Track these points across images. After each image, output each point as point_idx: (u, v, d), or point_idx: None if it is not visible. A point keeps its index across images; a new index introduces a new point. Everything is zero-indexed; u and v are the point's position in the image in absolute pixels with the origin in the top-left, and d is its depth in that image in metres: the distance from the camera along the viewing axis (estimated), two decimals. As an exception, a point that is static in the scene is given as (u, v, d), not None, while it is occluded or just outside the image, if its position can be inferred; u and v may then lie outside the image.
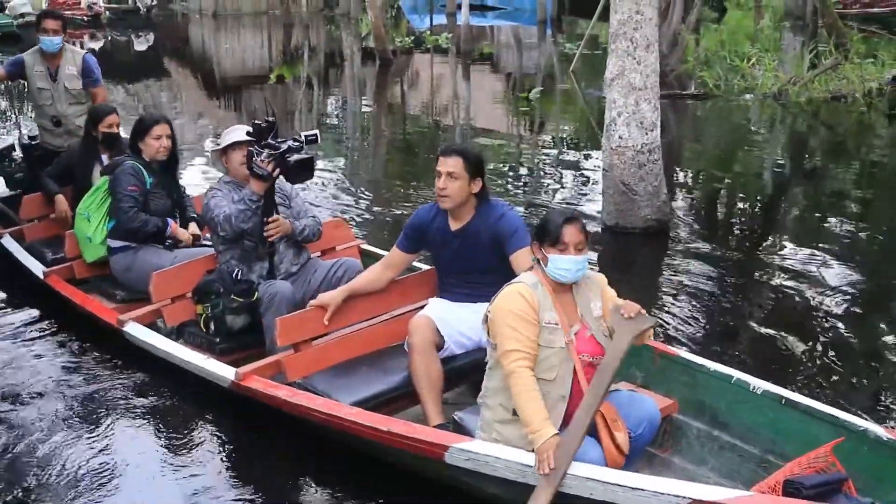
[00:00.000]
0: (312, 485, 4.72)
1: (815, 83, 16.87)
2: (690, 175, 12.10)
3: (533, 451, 3.84)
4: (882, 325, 6.80)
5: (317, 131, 5.54)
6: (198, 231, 6.49)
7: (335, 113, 17.95)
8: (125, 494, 4.55)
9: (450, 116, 17.35)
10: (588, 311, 4.18)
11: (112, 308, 6.04)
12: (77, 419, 5.26)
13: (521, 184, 11.28)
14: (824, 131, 15.13)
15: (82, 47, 8.23)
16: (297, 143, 5.35)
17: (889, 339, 6.65)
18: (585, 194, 10.49)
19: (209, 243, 6.36)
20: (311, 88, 20.66)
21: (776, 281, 7.67)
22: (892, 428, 4.50)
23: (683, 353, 4.90)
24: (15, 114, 15.63)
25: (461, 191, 4.93)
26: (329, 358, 5.07)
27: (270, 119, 5.43)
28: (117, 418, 5.29)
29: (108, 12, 33.05)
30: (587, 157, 12.47)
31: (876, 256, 8.48)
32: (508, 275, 4.83)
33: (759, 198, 11.04)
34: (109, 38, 29.44)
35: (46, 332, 6.43)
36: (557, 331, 4.03)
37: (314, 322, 5.14)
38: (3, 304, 6.89)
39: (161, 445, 5.06)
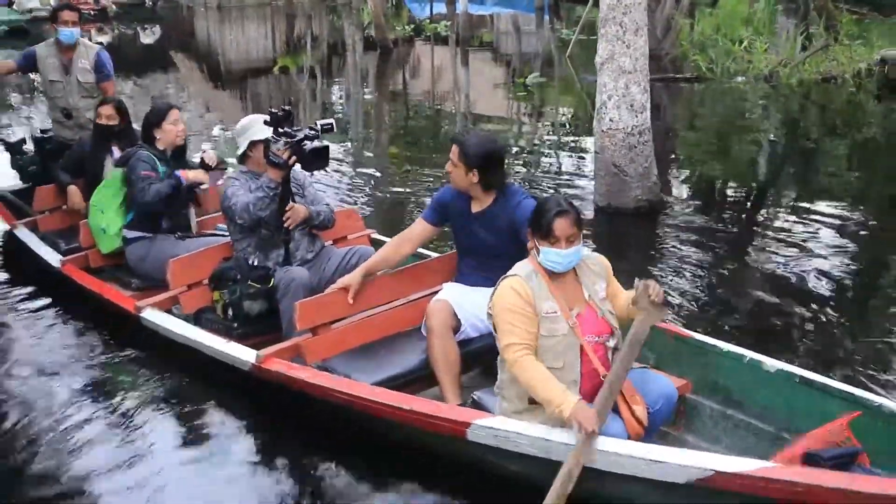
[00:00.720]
0: (329, 468, 4.64)
1: (805, 65, 16.96)
2: (683, 156, 12.18)
3: (561, 426, 3.85)
4: (873, 296, 6.96)
5: (332, 120, 5.49)
6: (210, 162, 6.49)
7: (338, 101, 17.99)
8: (141, 476, 4.54)
9: (450, 103, 17.42)
10: (595, 293, 4.17)
11: (129, 295, 6.04)
12: (91, 404, 5.26)
13: (519, 166, 11.34)
14: (815, 111, 15.19)
15: (90, 40, 8.22)
16: (313, 132, 5.34)
17: (879, 307, 6.80)
18: (579, 176, 10.60)
19: (221, 232, 6.46)
20: (315, 78, 20.71)
21: (768, 257, 7.76)
22: None
23: (696, 334, 4.89)
24: (27, 107, 15.74)
25: (459, 178, 4.97)
26: (347, 341, 5.07)
27: (287, 108, 5.41)
28: (132, 403, 5.28)
29: (114, 6, 33.06)
30: (581, 139, 12.56)
31: (866, 229, 8.55)
32: None
33: (750, 177, 11.10)
34: (116, 31, 29.48)
35: (61, 320, 6.44)
36: (558, 318, 4.01)
37: (332, 306, 5.12)
38: (19, 293, 6.91)
39: (176, 429, 5.05)
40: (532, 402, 4.00)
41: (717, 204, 9.72)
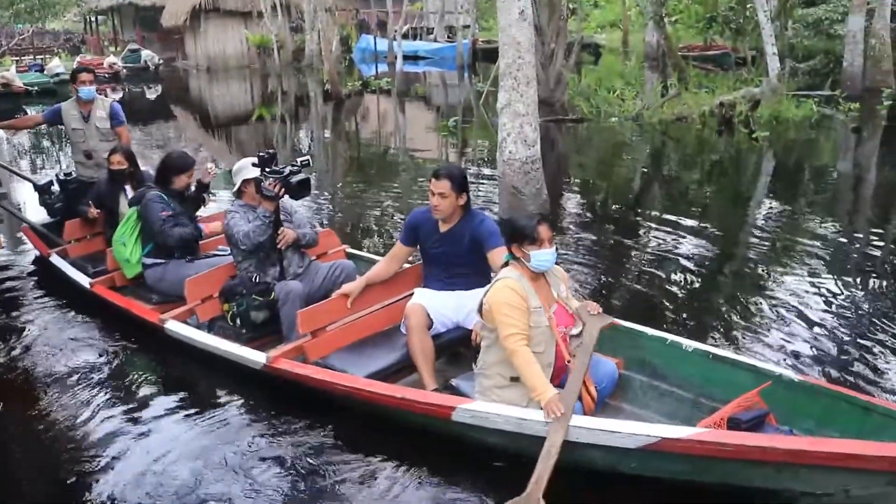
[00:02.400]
0: (330, 447, 4.50)
1: (663, 108, 17.27)
2: (571, 179, 12.35)
3: (535, 407, 3.87)
4: (722, 280, 7.20)
5: (309, 157, 5.49)
6: (205, 178, 6.43)
7: (305, 141, 17.97)
8: (160, 461, 4.39)
9: (392, 141, 17.47)
10: (560, 292, 4.22)
11: (151, 309, 5.95)
12: (115, 400, 5.14)
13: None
14: (672, 144, 15.44)
15: (107, 96, 8.11)
16: (296, 167, 5.35)
17: (725, 287, 7.05)
18: (487, 194, 10.67)
19: (221, 252, 6.43)
20: (285, 124, 20.61)
21: (641, 255, 7.93)
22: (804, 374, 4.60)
23: (627, 322, 4.79)
24: (56, 153, 15.56)
25: (450, 206, 4.92)
26: (341, 340, 5.04)
27: (271, 151, 5.39)
28: (152, 397, 5.18)
29: (124, 70, 32.56)
30: (490, 167, 12.67)
31: (715, 234, 8.74)
32: (481, 270, 5.03)
33: (624, 195, 11.26)
34: (127, 89, 29.02)
35: (91, 330, 6.27)
36: (541, 312, 4.00)
37: (327, 312, 5.11)
38: (55, 309, 6.72)
39: (195, 424, 4.82)
40: (513, 379, 4.00)
41: (598, 216, 9.86)
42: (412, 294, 5.22)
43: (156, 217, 6.07)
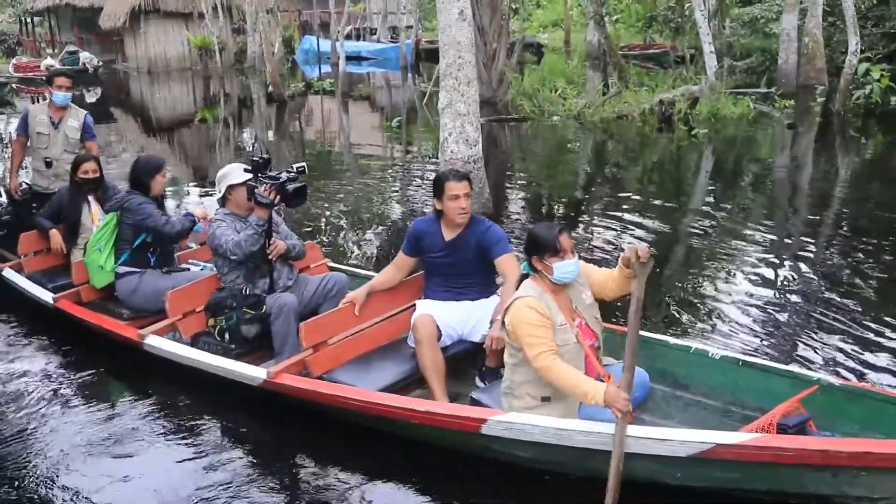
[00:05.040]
0: (335, 463, 4.24)
1: (605, 107, 17.45)
2: (515, 176, 12.40)
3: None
4: (668, 275, 7.17)
5: (304, 164, 5.18)
6: (202, 217, 6.00)
7: (248, 143, 17.75)
8: (151, 483, 4.07)
9: (336, 142, 17.34)
10: (580, 302, 3.94)
11: (126, 325, 5.48)
12: (96, 435, 4.58)
13: (389, 188, 11.38)
14: (613, 142, 15.60)
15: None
16: (293, 174, 5.06)
17: (669, 274, 7.12)
18: (429, 193, 10.51)
19: (194, 265, 6.09)
20: (229, 126, 20.35)
21: (585, 250, 7.88)
22: (845, 379, 4.52)
23: (645, 332, 4.42)
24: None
25: (470, 204, 4.76)
26: (344, 355, 4.75)
27: (266, 156, 5.11)
28: (139, 427, 4.67)
29: (61, 72, 31.88)
30: (432, 165, 12.65)
31: (654, 223, 8.88)
32: (487, 279, 4.86)
33: (567, 193, 11.35)
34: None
35: (54, 353, 5.76)
36: (567, 329, 3.79)
37: (330, 325, 4.84)
38: (8, 330, 6.16)
39: (186, 449, 4.41)
40: (544, 399, 3.83)
41: (542, 214, 9.88)
42: (413, 305, 4.98)
43: (149, 215, 5.67)
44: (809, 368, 4.89)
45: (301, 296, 5.33)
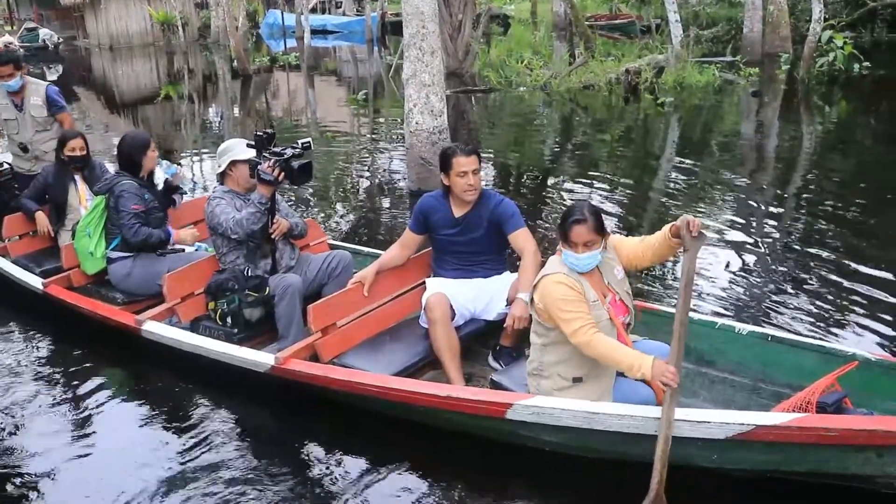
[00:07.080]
0: (348, 452, 4.07)
1: (571, 77, 17.40)
2: (484, 147, 12.25)
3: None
4: (631, 229, 7.21)
5: (309, 139, 4.84)
6: (196, 233, 5.81)
7: (214, 120, 17.50)
8: (155, 475, 3.88)
9: (303, 117, 17.13)
10: (613, 277, 3.73)
11: (122, 310, 5.23)
12: (93, 427, 4.43)
13: (356, 161, 11.24)
14: (580, 111, 15.58)
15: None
16: (298, 150, 4.78)
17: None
18: (397, 167, 10.50)
19: (188, 247, 5.75)
20: (193, 102, 20.03)
21: (555, 218, 7.90)
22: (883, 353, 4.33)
23: (665, 307, 4.41)
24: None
25: (480, 182, 4.61)
26: (354, 337, 4.55)
27: (270, 130, 4.85)
28: (140, 419, 4.48)
29: (21, 49, 31.18)
30: (399, 138, 12.50)
31: (623, 189, 8.98)
32: (499, 255, 4.71)
33: (535, 162, 11.34)
34: (25, 70, 27.79)
35: (45, 341, 5.56)
36: (599, 306, 3.58)
37: (340, 306, 4.63)
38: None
39: (190, 440, 4.22)
40: (576, 379, 3.65)
41: (511, 184, 9.90)
42: (422, 284, 4.82)
43: (123, 209, 5.38)
44: (838, 342, 4.71)
45: (304, 276, 5.09)
